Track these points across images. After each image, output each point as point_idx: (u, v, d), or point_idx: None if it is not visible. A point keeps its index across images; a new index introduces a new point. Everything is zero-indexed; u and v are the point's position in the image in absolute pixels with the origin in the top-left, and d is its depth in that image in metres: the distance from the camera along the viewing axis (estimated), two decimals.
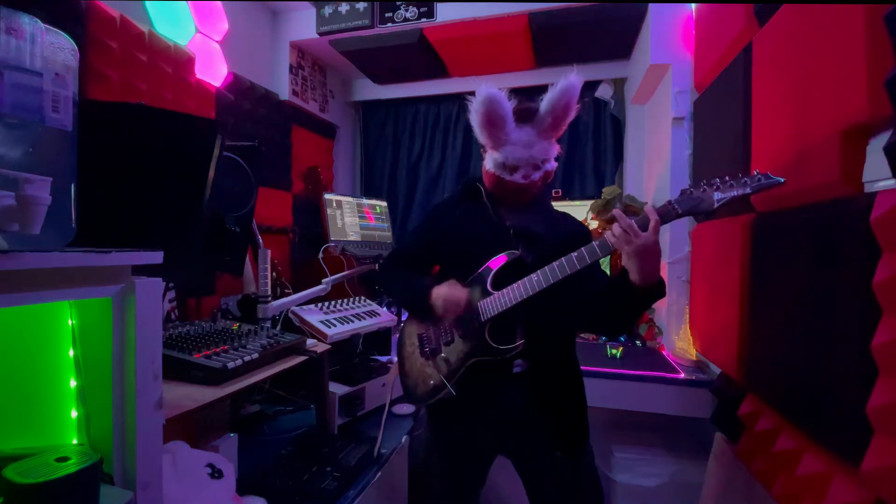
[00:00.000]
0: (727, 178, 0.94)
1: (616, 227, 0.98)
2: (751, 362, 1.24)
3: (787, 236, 1.07)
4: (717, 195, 0.94)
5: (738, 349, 1.29)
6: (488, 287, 1.14)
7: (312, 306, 1.81)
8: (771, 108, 1.18)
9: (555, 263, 1.06)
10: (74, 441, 0.79)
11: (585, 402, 1.22)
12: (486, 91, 1.09)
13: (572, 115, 1.13)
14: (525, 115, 1.12)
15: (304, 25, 2.53)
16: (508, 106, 1.11)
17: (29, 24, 0.64)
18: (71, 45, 0.69)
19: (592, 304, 1.12)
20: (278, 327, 1.68)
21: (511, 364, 1.16)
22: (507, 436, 1.21)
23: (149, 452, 0.75)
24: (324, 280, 2.00)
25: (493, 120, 1.11)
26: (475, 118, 1.13)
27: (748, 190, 0.92)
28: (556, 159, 1.18)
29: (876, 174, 0.83)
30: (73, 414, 0.79)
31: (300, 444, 1.41)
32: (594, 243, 1.03)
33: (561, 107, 1.10)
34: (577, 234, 1.18)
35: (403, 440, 1.60)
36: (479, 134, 1.16)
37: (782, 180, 0.90)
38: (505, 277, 1.13)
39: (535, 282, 1.08)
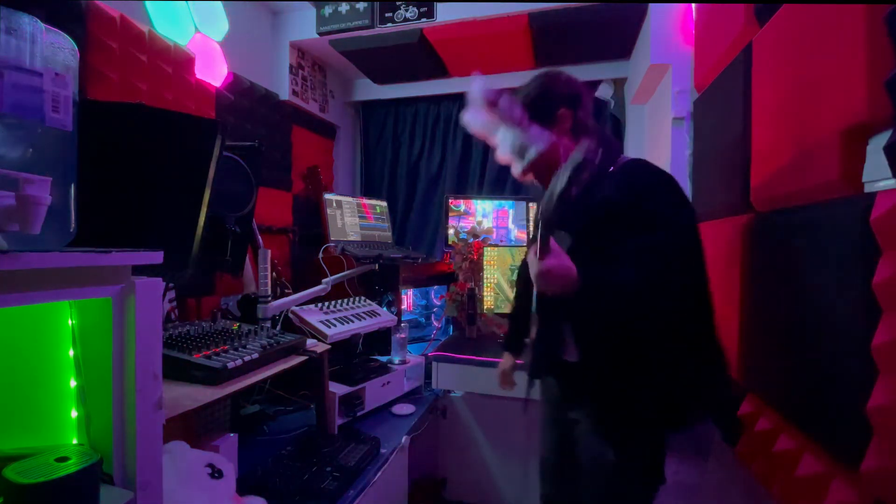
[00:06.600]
0: None
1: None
2: (751, 362, 1.24)
3: (786, 236, 1.07)
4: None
5: (738, 349, 1.29)
6: None
7: (312, 306, 1.81)
8: (771, 107, 1.18)
9: None
10: (74, 441, 0.79)
11: (644, 396, 1.07)
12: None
13: (506, 105, 1.17)
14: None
15: (304, 25, 2.52)
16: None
17: (29, 24, 0.64)
18: (71, 45, 0.69)
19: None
20: (278, 327, 1.68)
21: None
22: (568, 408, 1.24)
23: (149, 452, 0.75)
24: (324, 280, 1.99)
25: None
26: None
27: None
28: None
29: (876, 174, 0.83)
30: (73, 414, 0.79)
31: (300, 444, 1.41)
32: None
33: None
34: (603, 205, 1.11)
35: (403, 440, 1.60)
36: None
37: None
38: None
39: None
